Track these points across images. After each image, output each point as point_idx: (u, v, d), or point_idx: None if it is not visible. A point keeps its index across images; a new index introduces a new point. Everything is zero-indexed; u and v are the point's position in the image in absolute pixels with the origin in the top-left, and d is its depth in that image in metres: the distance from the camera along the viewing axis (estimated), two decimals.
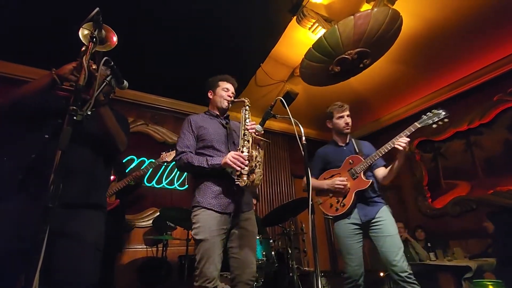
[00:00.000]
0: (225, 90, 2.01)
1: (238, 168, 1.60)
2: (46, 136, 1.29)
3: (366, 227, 2.16)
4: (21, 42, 3.09)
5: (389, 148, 2.05)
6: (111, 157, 1.55)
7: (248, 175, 1.63)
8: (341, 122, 2.35)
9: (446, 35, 3.31)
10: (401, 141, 1.99)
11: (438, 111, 2.03)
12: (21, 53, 3.25)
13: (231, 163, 1.60)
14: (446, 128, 4.32)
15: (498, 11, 3.01)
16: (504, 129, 3.76)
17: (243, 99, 1.94)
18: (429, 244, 3.74)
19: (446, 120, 2.01)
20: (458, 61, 3.84)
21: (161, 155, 3.23)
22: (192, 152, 1.81)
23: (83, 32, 1.17)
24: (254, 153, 1.68)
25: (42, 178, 1.06)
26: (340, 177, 2.24)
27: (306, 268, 3.62)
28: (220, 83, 2.03)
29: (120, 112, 1.64)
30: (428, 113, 2.05)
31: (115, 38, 1.24)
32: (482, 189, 3.83)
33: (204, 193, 1.72)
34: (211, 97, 2.07)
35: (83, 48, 1.17)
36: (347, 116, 2.36)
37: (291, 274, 2.79)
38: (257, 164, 1.67)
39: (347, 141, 2.41)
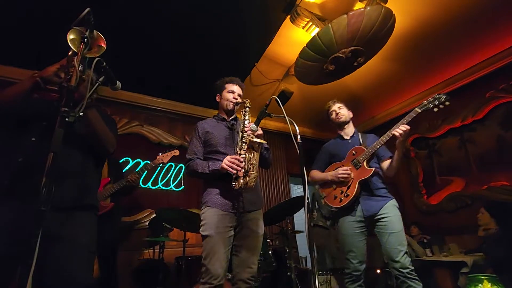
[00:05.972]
0: (230, 93, 2.02)
1: (234, 172, 1.65)
2: (33, 139, 1.27)
3: (370, 223, 2.13)
4: (9, 43, 3.02)
5: (391, 136, 2.03)
6: (101, 158, 1.54)
7: (243, 177, 1.66)
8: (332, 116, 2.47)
9: (438, 33, 3.33)
10: (399, 129, 1.97)
11: (439, 95, 2.02)
12: (9, 54, 3.18)
13: (226, 167, 1.66)
14: (440, 124, 4.37)
15: (489, 9, 3.03)
16: (496, 125, 3.79)
17: (244, 100, 1.94)
18: (425, 241, 3.77)
19: (447, 103, 1.98)
20: (450, 59, 3.87)
21: (157, 157, 3.12)
22: (200, 158, 1.88)
23: (70, 36, 1.12)
24: (248, 155, 1.70)
25: (31, 182, 1.04)
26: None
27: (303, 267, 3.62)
28: (227, 85, 2.05)
29: (107, 113, 1.62)
30: (429, 98, 2.04)
31: (103, 44, 1.21)
32: (477, 184, 3.86)
33: (210, 194, 1.81)
34: (218, 100, 2.09)
35: (70, 52, 1.15)
36: (338, 108, 2.46)
37: (289, 273, 2.79)
38: (251, 166, 1.68)
39: (353, 134, 2.43)
